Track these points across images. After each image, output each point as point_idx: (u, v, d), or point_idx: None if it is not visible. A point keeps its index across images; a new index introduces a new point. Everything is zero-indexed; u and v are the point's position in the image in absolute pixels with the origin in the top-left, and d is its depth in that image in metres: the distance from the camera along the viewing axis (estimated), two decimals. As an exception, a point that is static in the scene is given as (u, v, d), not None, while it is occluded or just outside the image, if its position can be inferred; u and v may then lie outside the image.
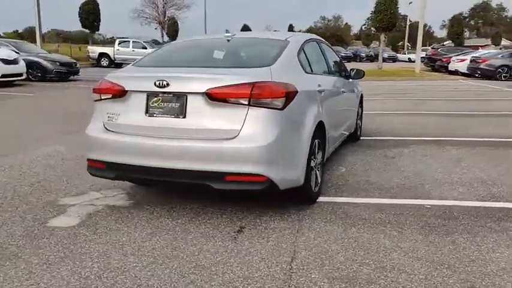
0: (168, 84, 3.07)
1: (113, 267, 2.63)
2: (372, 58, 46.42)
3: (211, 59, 3.72)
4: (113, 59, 27.28)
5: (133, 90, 3.23)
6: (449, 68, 23.18)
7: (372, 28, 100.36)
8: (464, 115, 8.84)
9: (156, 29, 54.72)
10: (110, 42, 37.05)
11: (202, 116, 3.05)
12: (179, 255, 2.78)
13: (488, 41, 60.15)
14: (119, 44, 27.62)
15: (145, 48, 27.77)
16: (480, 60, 20.11)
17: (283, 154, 3.10)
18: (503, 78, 19.10)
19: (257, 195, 3.65)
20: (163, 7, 52.55)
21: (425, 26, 37.07)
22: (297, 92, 3.25)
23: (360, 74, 5.41)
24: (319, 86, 3.85)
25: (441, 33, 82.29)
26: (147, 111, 3.19)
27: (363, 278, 2.47)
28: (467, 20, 74.32)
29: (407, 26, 52.96)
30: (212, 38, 4.29)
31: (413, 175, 4.49)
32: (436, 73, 24.34)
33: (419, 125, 7.61)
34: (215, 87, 2.98)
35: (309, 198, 3.57)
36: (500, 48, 34.59)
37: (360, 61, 45.37)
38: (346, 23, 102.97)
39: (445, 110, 9.48)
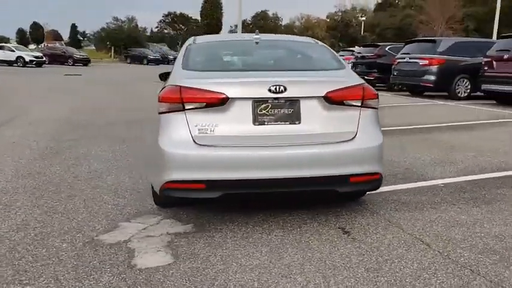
0: (285, 89, 2.90)
1: (299, 290, 2.43)
2: (180, 61, 47.36)
3: (286, 61, 3.60)
4: None
5: (238, 98, 2.91)
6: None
7: (166, 30, 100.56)
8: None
9: None
10: None
11: (317, 120, 3.01)
12: (336, 265, 2.70)
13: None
14: None
15: None
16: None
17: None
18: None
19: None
20: None
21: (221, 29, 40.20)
22: None
23: None
24: None
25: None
26: (255, 120, 2.92)
27: (500, 247, 2.93)
28: (250, 26, 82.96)
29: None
30: (248, 39, 3.92)
31: (393, 161, 5.12)
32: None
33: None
34: (334, 90, 2.99)
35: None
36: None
37: (168, 63, 45.81)
38: (136, 25, 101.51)
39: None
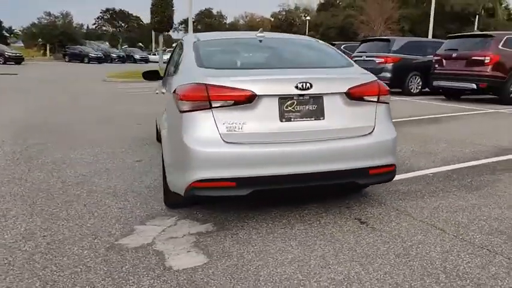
0: (311, 86, 2.96)
1: (357, 278, 2.51)
2: (124, 59, 46.05)
3: (303, 58, 3.67)
4: None
5: (265, 95, 2.93)
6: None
7: (104, 27, 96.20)
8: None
9: None
10: None
11: (338, 115, 3.11)
12: (368, 254, 2.82)
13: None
14: None
15: None
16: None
17: None
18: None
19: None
20: None
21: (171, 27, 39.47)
22: None
23: None
24: None
25: (174, 35, 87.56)
26: (282, 116, 2.96)
27: (505, 228, 3.19)
28: (195, 24, 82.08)
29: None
30: (252, 37, 3.89)
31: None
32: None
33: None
34: (355, 86, 3.11)
35: None
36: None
37: (112, 62, 44.24)
38: (71, 21, 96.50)
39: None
